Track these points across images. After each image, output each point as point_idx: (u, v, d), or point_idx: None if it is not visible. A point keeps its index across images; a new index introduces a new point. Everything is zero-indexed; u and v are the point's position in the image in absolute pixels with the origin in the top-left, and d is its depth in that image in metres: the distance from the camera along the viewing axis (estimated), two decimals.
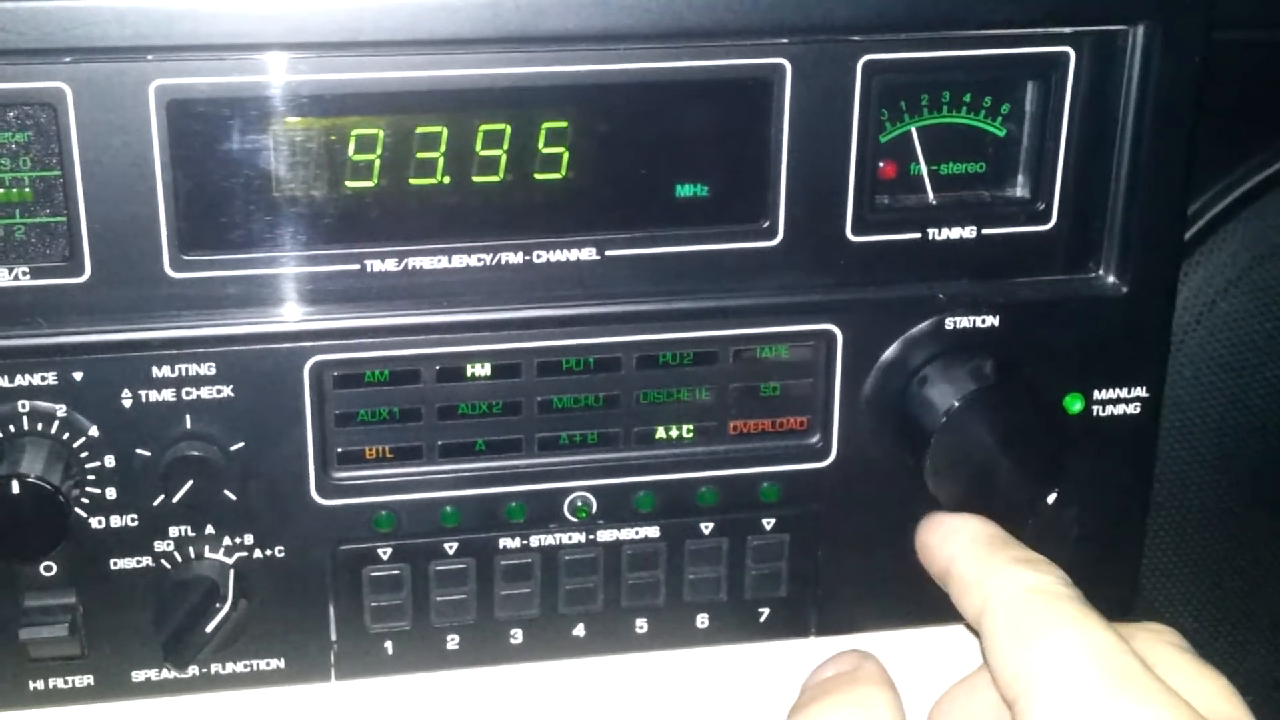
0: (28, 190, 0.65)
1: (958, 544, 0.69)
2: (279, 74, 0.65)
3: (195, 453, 0.68)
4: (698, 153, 0.70)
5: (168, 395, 0.68)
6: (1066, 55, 0.72)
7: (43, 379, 0.66)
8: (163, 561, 0.70)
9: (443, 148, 0.68)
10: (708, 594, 0.76)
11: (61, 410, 0.67)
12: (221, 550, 0.70)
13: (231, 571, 0.70)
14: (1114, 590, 0.81)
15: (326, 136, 0.67)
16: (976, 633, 0.65)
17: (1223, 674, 0.62)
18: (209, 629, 0.69)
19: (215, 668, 0.73)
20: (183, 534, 0.70)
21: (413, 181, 0.68)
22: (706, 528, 0.75)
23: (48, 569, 0.69)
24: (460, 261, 0.70)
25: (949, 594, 0.69)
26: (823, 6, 0.67)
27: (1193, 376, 0.93)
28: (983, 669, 0.68)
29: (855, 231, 0.72)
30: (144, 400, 0.67)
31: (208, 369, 0.68)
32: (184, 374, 0.68)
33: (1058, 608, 0.62)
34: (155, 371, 0.67)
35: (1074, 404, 0.75)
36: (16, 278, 0.66)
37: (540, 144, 0.69)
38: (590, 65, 0.67)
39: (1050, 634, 0.60)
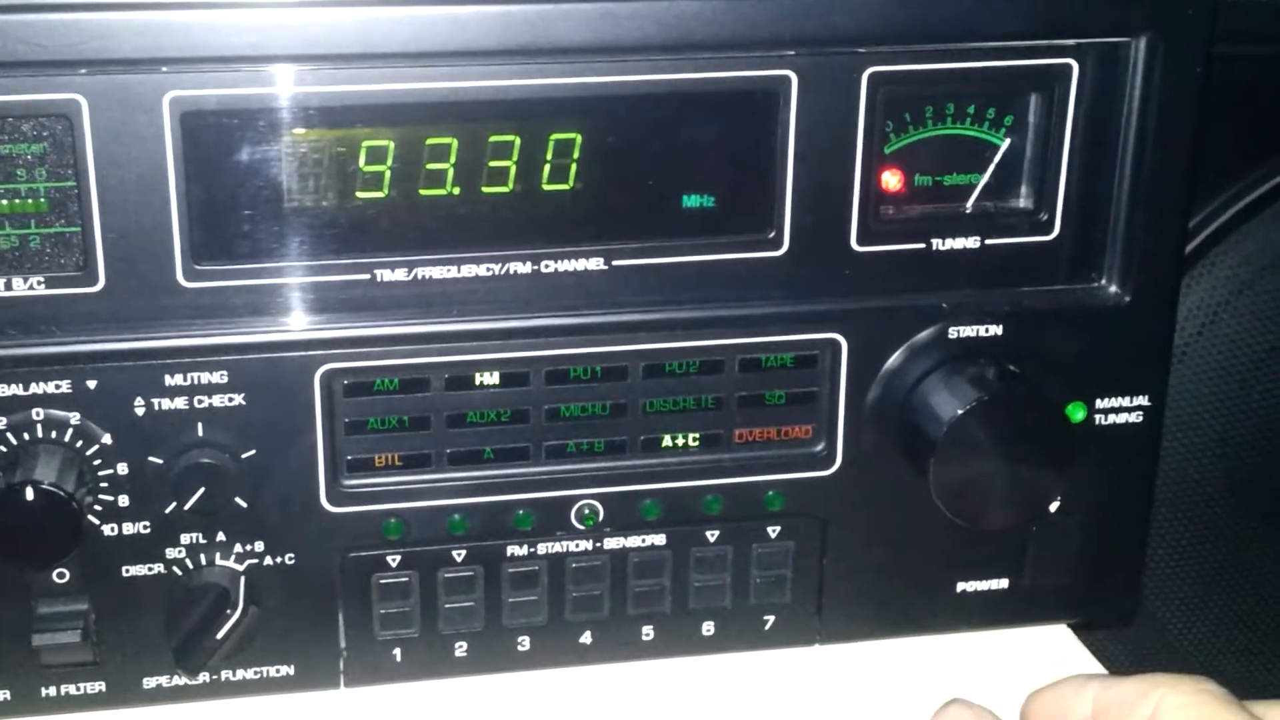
0: (43, 200, 0.66)
1: (1095, 685, 0.66)
2: (291, 86, 0.66)
3: (207, 460, 0.68)
4: (704, 164, 0.71)
5: (180, 403, 0.68)
6: (1069, 67, 0.72)
7: (57, 387, 0.67)
8: (174, 568, 0.71)
9: (453, 159, 0.69)
10: (713, 601, 0.76)
11: (75, 418, 0.67)
12: (232, 557, 0.71)
13: (242, 578, 0.70)
14: (1116, 598, 0.81)
15: (338, 148, 0.68)
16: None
17: None
18: (219, 635, 0.69)
19: (225, 674, 0.73)
20: (194, 541, 0.70)
21: (423, 192, 0.69)
22: (712, 535, 0.76)
23: (60, 576, 0.70)
24: (469, 271, 0.70)
25: None
26: (829, 20, 0.67)
27: (1195, 388, 0.93)
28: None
29: (860, 241, 0.73)
30: (156, 408, 0.68)
31: (220, 377, 0.68)
32: (196, 382, 0.68)
33: (1232, 706, 0.62)
34: (168, 380, 0.68)
35: (1076, 412, 0.75)
36: (32, 287, 0.67)
37: (549, 155, 0.69)
38: (599, 77, 0.68)
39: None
